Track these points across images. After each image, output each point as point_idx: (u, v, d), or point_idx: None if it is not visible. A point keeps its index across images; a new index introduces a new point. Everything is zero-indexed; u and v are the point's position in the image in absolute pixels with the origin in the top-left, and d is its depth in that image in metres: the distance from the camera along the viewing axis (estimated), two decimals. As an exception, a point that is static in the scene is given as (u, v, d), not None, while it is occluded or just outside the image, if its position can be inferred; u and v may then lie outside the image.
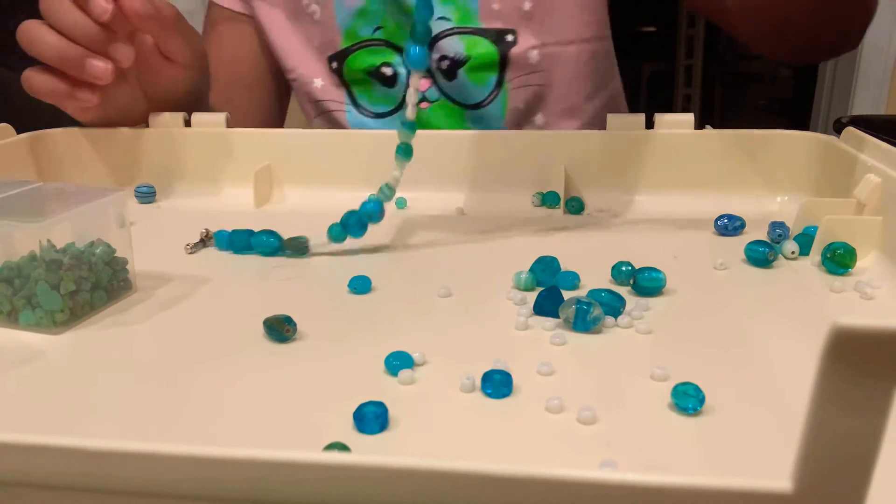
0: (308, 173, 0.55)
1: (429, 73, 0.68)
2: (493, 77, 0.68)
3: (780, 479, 0.17)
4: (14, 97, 0.74)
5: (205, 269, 0.42)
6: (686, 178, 0.52)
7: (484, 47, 0.67)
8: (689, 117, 0.52)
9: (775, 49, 0.63)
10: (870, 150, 0.45)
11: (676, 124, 0.52)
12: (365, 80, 0.70)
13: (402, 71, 0.68)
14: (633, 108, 0.72)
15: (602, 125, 0.53)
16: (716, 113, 3.17)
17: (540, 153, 0.53)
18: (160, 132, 0.56)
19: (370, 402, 0.27)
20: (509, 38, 0.67)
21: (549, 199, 0.52)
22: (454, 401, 0.29)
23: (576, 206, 0.51)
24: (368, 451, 0.26)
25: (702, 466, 0.25)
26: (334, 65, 0.70)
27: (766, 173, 0.51)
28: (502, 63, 0.68)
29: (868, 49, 1.94)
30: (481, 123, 0.70)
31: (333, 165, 0.55)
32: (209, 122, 0.56)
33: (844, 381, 0.16)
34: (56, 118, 0.74)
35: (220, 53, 0.71)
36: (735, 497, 0.17)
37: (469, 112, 0.69)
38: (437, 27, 0.66)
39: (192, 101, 0.59)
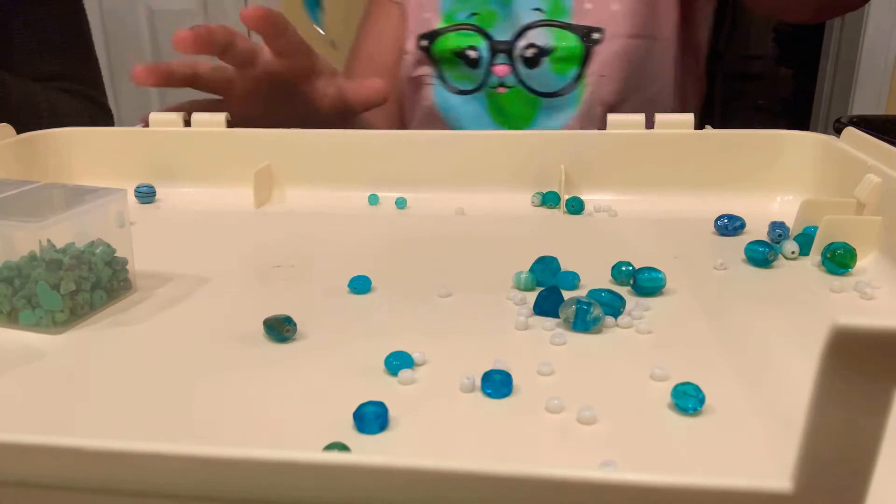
0: (308, 173, 0.55)
1: (510, 60, 0.72)
2: (574, 69, 0.71)
3: (780, 479, 0.17)
4: (14, 97, 0.74)
5: (205, 269, 0.42)
6: (686, 178, 0.52)
7: (571, 41, 0.71)
8: (689, 117, 0.52)
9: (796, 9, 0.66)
10: (870, 150, 0.45)
11: (676, 124, 0.52)
12: (452, 60, 0.74)
13: (485, 55, 0.72)
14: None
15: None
16: (716, 113, 3.17)
17: (540, 153, 0.53)
18: (160, 132, 0.56)
19: (370, 402, 0.28)
20: (596, 35, 0.71)
21: (549, 199, 0.52)
22: (454, 401, 0.29)
23: (576, 206, 0.51)
24: (368, 451, 0.26)
25: (702, 466, 0.25)
26: (424, 43, 0.74)
27: (766, 173, 0.51)
28: (585, 58, 0.71)
29: (868, 49, 1.94)
30: (555, 111, 0.73)
31: (333, 165, 0.55)
32: (209, 122, 0.56)
33: (844, 381, 0.16)
34: (56, 119, 0.74)
35: (366, 30, 0.81)
36: (735, 497, 0.17)
37: (545, 100, 0.73)
38: (529, 17, 0.71)
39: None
